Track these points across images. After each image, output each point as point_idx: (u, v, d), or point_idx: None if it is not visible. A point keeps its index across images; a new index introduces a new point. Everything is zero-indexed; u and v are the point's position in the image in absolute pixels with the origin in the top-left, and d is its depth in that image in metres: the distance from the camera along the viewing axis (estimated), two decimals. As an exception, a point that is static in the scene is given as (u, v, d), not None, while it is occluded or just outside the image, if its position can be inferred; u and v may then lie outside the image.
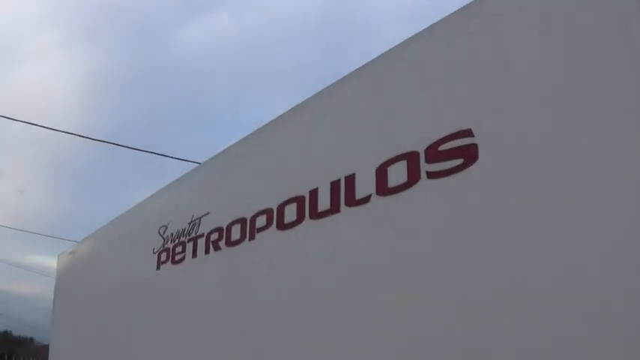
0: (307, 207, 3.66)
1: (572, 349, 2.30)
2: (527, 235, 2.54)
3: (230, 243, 4.46)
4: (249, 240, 4.17)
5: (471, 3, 3.16)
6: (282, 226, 3.87)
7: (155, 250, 6.15)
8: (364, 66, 3.76)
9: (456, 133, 2.92)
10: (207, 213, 5.23)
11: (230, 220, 4.58)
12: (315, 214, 3.58)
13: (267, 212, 4.06)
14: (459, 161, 2.85)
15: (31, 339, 56.58)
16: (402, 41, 3.53)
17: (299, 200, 3.75)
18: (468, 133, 2.86)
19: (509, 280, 2.57)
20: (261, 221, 4.10)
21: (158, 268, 5.97)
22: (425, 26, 3.36)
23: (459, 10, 3.22)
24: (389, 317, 3.05)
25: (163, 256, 5.94)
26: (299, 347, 3.60)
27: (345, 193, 3.41)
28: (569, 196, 2.43)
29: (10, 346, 49.03)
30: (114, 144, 13.66)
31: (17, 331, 56.91)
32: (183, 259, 5.32)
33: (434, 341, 2.81)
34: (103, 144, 13.69)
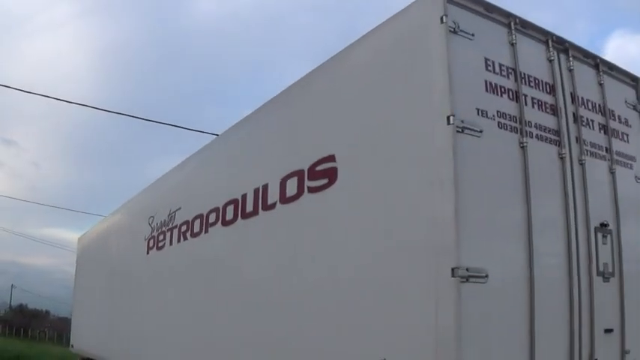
0: (240, 208, 5.10)
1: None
2: (371, 232, 3.79)
3: (193, 234, 5.96)
4: (205, 233, 5.66)
5: (337, 54, 4.39)
6: (225, 222, 5.33)
7: (145, 237, 7.66)
8: (274, 98, 5.11)
9: (325, 157, 4.21)
10: (180, 208, 6.72)
11: (193, 215, 6.07)
12: (244, 215, 5.03)
13: (216, 210, 5.52)
14: (325, 180, 4.18)
15: (47, 312, 56.27)
16: (297, 80, 4.87)
17: (235, 202, 5.19)
18: (332, 158, 4.19)
19: (366, 259, 3.78)
20: (212, 218, 5.58)
21: (147, 252, 7.50)
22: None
23: (327, 61, 4.47)
24: (291, 295, 4.44)
25: (151, 243, 7.47)
26: (233, 308, 5.10)
27: (261, 199, 4.83)
28: (391, 205, 3.72)
29: (27, 319, 48.87)
30: (128, 115, 14.17)
31: (33, 304, 56.75)
32: (163, 246, 6.84)
33: (319, 313, 4.23)
34: (120, 116, 13.85)
